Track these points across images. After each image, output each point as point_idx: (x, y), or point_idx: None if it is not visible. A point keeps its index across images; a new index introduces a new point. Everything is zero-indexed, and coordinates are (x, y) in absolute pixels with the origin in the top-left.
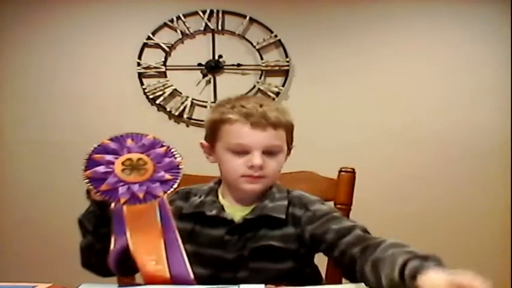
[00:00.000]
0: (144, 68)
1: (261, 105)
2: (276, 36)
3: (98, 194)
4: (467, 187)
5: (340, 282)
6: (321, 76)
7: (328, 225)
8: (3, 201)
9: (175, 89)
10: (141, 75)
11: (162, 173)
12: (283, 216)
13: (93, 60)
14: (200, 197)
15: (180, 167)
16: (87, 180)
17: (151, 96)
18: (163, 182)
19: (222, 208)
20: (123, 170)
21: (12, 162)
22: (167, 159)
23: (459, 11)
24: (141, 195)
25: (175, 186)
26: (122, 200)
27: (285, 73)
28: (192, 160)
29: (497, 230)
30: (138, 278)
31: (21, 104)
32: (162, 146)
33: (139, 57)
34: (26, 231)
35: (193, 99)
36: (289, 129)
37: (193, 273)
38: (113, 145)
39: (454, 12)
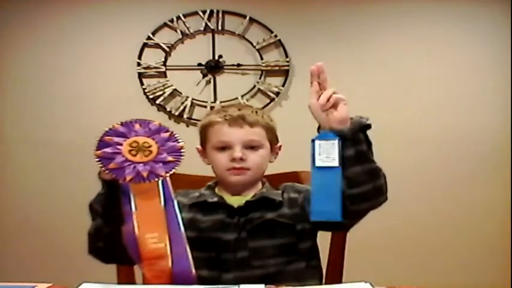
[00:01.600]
0: (144, 68)
1: (239, 109)
2: (276, 36)
3: (106, 172)
4: (467, 187)
5: (340, 281)
6: None
7: None
8: (3, 201)
9: (175, 89)
10: (141, 75)
11: (164, 155)
12: (281, 199)
13: (93, 60)
14: (199, 192)
15: (182, 150)
16: (97, 159)
17: (151, 96)
18: (166, 163)
19: (221, 197)
20: (129, 151)
21: (12, 162)
22: (170, 143)
23: (459, 11)
24: (145, 174)
25: (176, 167)
26: (128, 178)
27: (285, 73)
28: (192, 160)
29: (497, 230)
30: (137, 279)
31: (21, 103)
32: (167, 131)
33: (140, 57)
34: (26, 231)
35: (193, 99)
36: (269, 129)
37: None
38: (122, 129)
39: (454, 12)
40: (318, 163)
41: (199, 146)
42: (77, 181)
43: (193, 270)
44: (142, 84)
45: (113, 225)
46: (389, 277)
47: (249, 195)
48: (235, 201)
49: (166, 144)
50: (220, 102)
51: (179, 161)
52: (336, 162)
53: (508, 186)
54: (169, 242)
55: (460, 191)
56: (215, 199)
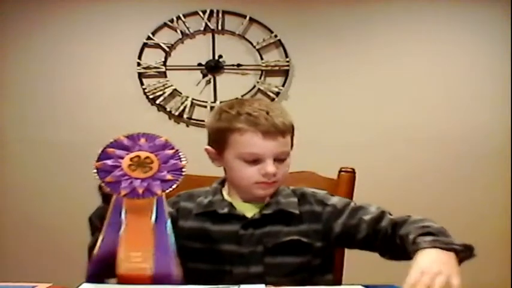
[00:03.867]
0: (144, 68)
1: (267, 112)
2: (276, 36)
3: (103, 184)
4: (467, 187)
5: (340, 282)
6: (321, 76)
7: (358, 216)
8: (3, 201)
9: (175, 89)
10: (141, 75)
11: (164, 173)
12: (297, 212)
13: (93, 60)
14: (206, 197)
15: (183, 170)
16: (95, 171)
17: (151, 96)
18: (164, 181)
19: (232, 206)
20: (129, 166)
21: (12, 162)
22: (173, 161)
23: (459, 11)
24: (140, 190)
25: (174, 186)
26: (122, 193)
27: (285, 73)
28: (191, 160)
29: (497, 230)
30: None
31: (21, 104)
32: (172, 148)
33: (140, 57)
34: (26, 231)
35: (193, 99)
36: (292, 131)
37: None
38: (126, 142)
39: (454, 12)
40: None
41: (208, 147)
42: (77, 181)
43: None
44: (142, 84)
45: None
46: (389, 277)
47: (261, 203)
48: (247, 209)
49: (168, 162)
50: (220, 102)
51: (178, 181)
52: None
53: (508, 186)
54: (155, 263)
55: (460, 191)
56: (226, 210)
